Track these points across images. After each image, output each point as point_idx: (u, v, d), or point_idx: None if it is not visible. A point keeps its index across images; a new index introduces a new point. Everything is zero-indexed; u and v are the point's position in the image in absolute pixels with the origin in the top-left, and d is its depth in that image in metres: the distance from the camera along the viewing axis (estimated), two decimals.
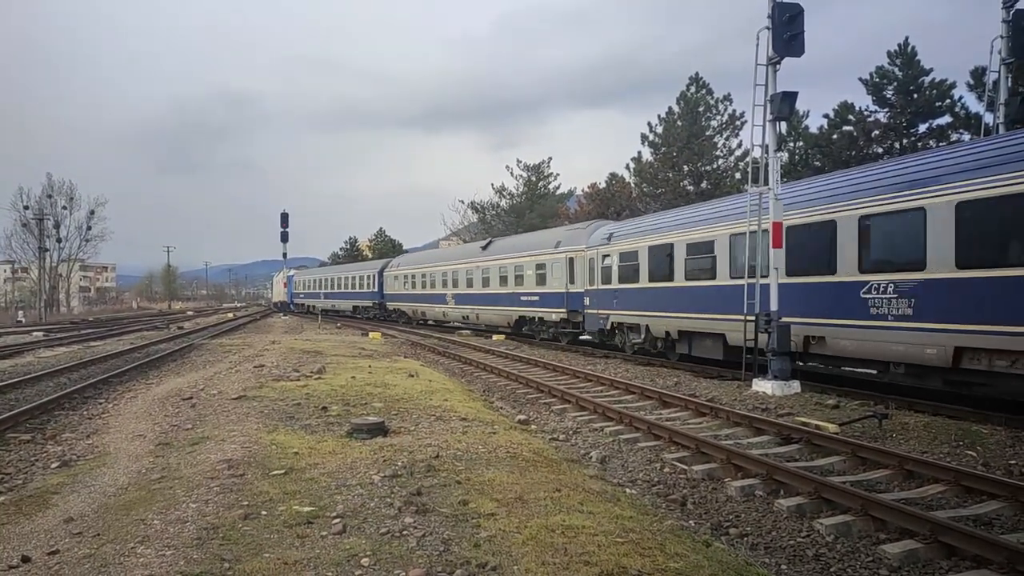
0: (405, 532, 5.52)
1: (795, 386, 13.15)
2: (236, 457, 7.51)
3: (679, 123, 38.56)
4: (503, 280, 30.48)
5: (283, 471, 7.02)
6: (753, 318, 13.76)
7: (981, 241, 9.86)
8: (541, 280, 27.25)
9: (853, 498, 6.93)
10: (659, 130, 39.46)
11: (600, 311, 21.12)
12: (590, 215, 42.02)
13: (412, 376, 14.67)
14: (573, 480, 7.22)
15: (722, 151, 38.22)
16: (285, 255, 56.22)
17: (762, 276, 13.90)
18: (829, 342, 12.38)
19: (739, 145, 37.97)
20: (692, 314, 16.64)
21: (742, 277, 14.74)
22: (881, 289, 11.47)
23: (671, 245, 17.56)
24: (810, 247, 12.79)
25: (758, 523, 6.88)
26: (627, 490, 7.60)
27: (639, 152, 40.67)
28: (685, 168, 38.12)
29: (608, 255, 20.76)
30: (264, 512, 5.88)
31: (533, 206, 55.05)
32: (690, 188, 37.80)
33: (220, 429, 8.99)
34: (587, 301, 22.31)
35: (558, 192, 57.51)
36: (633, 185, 41.39)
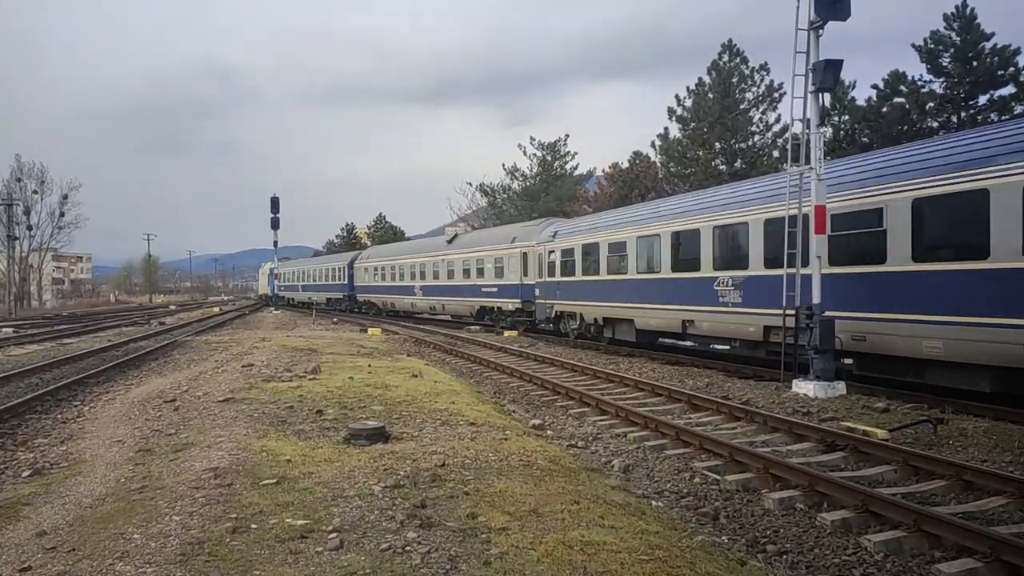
0: (408, 548, 5.53)
1: (840, 387, 13.07)
2: (223, 465, 7.56)
3: (710, 96, 38.31)
4: (466, 273, 35.97)
5: (274, 480, 7.06)
6: (792, 312, 13.76)
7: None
8: (499, 273, 32.62)
9: (905, 512, 6.88)
10: (688, 104, 39.25)
11: (547, 301, 26.63)
12: (611, 198, 41.96)
13: (416, 376, 14.72)
14: (593, 491, 7.21)
15: (758, 126, 37.97)
16: (276, 243, 56.27)
17: (640, 273, 19.78)
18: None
19: (777, 120, 37.72)
20: (613, 303, 21.84)
21: (647, 272, 19.83)
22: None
23: (597, 245, 22.85)
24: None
25: (799, 539, 6.85)
26: (653, 502, 7.59)
27: (666, 128, 40.51)
28: (717, 145, 37.92)
29: (553, 251, 26.18)
30: (254, 525, 5.91)
31: (548, 188, 54.96)
32: (722, 168, 37.62)
33: (206, 434, 9.05)
34: (537, 292, 27.69)
35: (576, 173, 57.40)
36: (659, 165, 41.25)
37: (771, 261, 15.02)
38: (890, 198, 12.32)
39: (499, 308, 32.68)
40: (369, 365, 16.52)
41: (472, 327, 30.64)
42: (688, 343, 20.48)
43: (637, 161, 43.57)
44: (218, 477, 7.17)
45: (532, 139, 60.29)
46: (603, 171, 49.12)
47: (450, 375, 16.91)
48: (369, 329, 31.04)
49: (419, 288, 41.97)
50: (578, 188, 51.59)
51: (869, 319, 12.69)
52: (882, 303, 12.42)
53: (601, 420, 11.89)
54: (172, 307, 68.29)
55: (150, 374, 17.16)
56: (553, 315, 26.03)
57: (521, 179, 58.69)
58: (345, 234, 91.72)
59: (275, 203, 53.33)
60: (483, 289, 34.59)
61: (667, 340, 21.07)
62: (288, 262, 74.01)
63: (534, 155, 58.24)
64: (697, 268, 17.75)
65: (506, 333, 28.26)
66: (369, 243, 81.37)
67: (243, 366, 15.98)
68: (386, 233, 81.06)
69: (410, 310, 42.74)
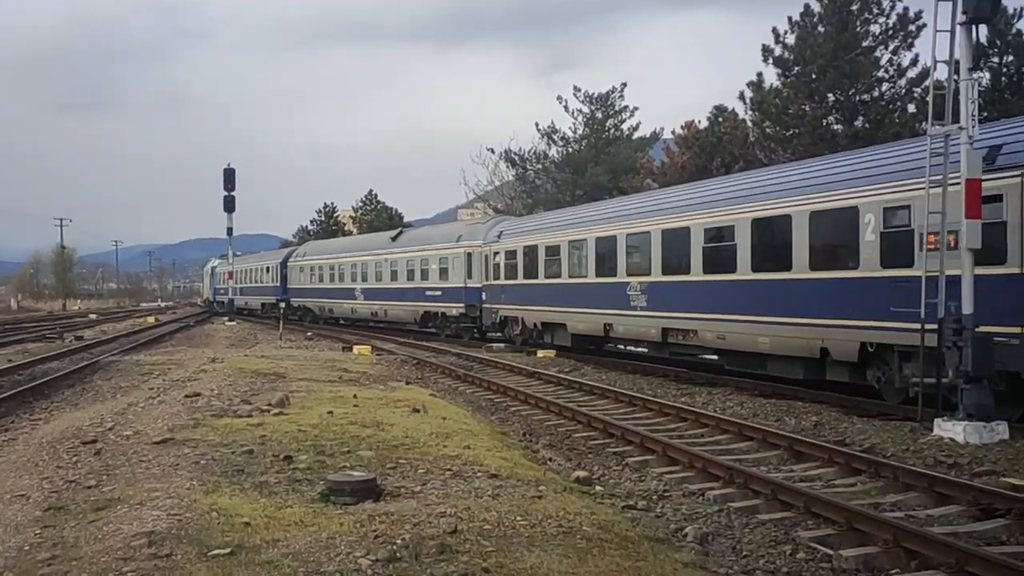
0: None
1: (1000, 430, 12.92)
2: (160, 529, 7.64)
3: (821, 29, 37.96)
4: (410, 274, 42.41)
5: (228, 551, 7.11)
6: (935, 326, 13.63)
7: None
8: (444, 275, 38.82)
9: None
10: (790, 41, 38.89)
11: (493, 305, 34.30)
12: (684, 170, 41.79)
13: (418, 411, 14.77)
14: (659, 569, 7.19)
15: (887, 71, 37.54)
16: (230, 231, 56.75)
17: (572, 278, 28.27)
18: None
19: (914, 62, 37.25)
20: (550, 307, 29.66)
21: (577, 277, 27.95)
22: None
23: (537, 248, 30.66)
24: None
25: None
26: None
27: (759, 75, 40.17)
28: (830, 97, 37.54)
29: (498, 253, 33.78)
30: None
31: (599, 156, 54.91)
32: (837, 127, 37.26)
33: (137, 487, 9.16)
34: (484, 296, 35.15)
35: (636, 136, 57.25)
36: (750, 124, 40.97)
37: (669, 268, 22.97)
38: (736, 218, 20.37)
39: (443, 313, 39.11)
40: (355, 396, 16.61)
41: (493, 345, 31.32)
42: (619, 346, 30.12)
43: (720, 119, 43.28)
44: (153, 545, 7.24)
45: (577, 90, 59.57)
46: (674, 132, 48.84)
47: (464, 409, 16.94)
48: (355, 347, 31.24)
49: (360, 291, 48.14)
50: (639, 156, 51.38)
51: (727, 320, 20.48)
52: (734, 307, 20.20)
53: (669, 472, 11.87)
54: (92, 316, 69.31)
55: (63, 406, 17.43)
56: (498, 320, 34.11)
57: (562, 144, 58.68)
58: (323, 219, 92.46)
59: (230, 176, 53.34)
60: (427, 292, 40.59)
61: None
62: (241, 258, 76.31)
63: (579, 111, 58.25)
64: (614, 274, 25.48)
65: (540, 353, 28.46)
66: (356, 230, 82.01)
67: (187, 396, 16.14)
68: (378, 217, 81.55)
69: (350, 316, 49.18)
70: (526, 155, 59.42)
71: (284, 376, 20.26)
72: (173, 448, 11.14)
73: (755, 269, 19.67)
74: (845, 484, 10.98)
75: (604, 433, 14.67)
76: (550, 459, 12.74)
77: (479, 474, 9.97)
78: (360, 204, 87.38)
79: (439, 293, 39.59)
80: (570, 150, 58.14)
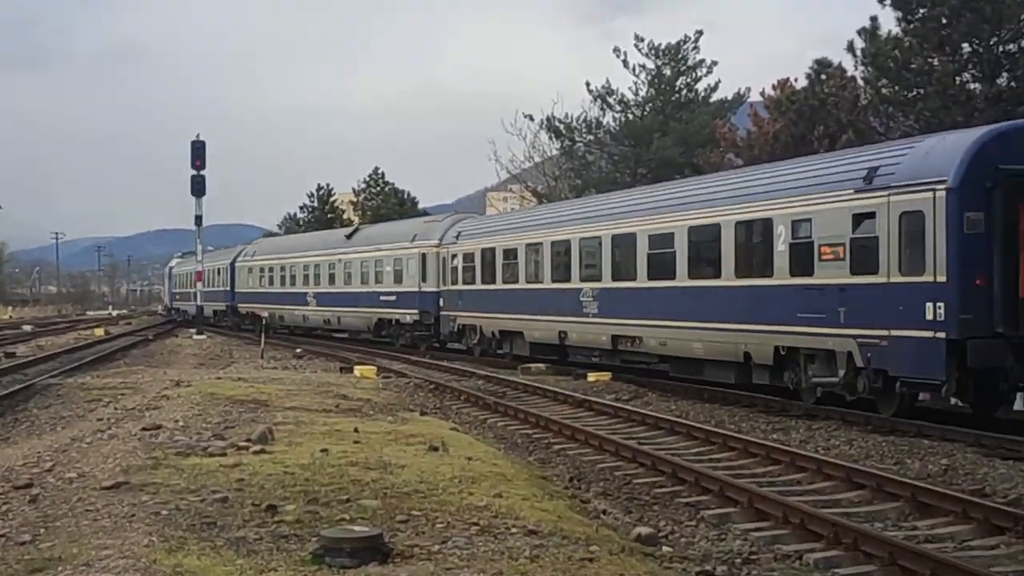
0: None
1: None
2: None
3: None
4: (364, 277, 47.39)
5: None
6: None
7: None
8: (399, 278, 43.83)
9: None
10: None
11: (451, 312, 39.99)
12: (777, 141, 41.53)
13: (436, 449, 14.77)
14: None
15: None
16: (200, 221, 57.04)
17: (528, 283, 34.39)
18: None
19: None
20: (508, 315, 35.23)
21: (534, 283, 33.90)
22: None
23: (494, 250, 36.36)
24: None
25: None
26: None
27: (873, 20, 39.79)
28: (965, 48, 37.17)
29: (456, 255, 39.50)
30: None
31: (667, 124, 54.71)
32: (974, 86, 36.88)
33: (82, 544, 9.20)
34: (442, 302, 40.90)
35: (715, 98, 56.98)
36: (862, 83, 40.63)
37: (618, 274, 28.79)
38: (676, 225, 25.93)
39: (397, 320, 44.49)
40: (356, 430, 16.63)
41: (531, 366, 31.34)
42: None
43: (823, 77, 42.94)
44: None
45: (639, 39, 58.94)
46: (763, 95, 48.52)
47: (494, 447, 16.95)
48: (357, 368, 31.32)
49: (312, 296, 53.03)
50: (719, 124, 51.12)
51: (668, 327, 26.08)
52: (673, 313, 25.75)
53: (757, 529, 11.81)
54: (27, 328, 70.02)
55: None
56: (456, 328, 39.88)
57: (620, 109, 58.53)
58: (317, 205, 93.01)
59: (199, 151, 53.61)
60: (381, 297, 45.34)
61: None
62: (203, 256, 79.10)
63: (642, 67, 58.12)
64: (568, 280, 31.44)
65: (591, 376, 28.39)
66: (356, 218, 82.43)
67: (144, 429, 16.22)
68: (385, 202, 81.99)
69: (302, 324, 54.70)
70: (574, 123, 59.19)
71: (267, 404, 20.33)
72: (127, 494, 11.19)
73: (691, 276, 25.38)
74: (985, 546, 10.85)
75: (673, 478, 14.58)
76: (604, 511, 12.68)
77: (513, 530, 9.96)
78: (363, 186, 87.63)
79: (393, 298, 44.27)
80: (630, 117, 58.00)
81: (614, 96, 58.22)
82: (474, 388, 27.01)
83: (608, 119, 58.67)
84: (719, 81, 58.01)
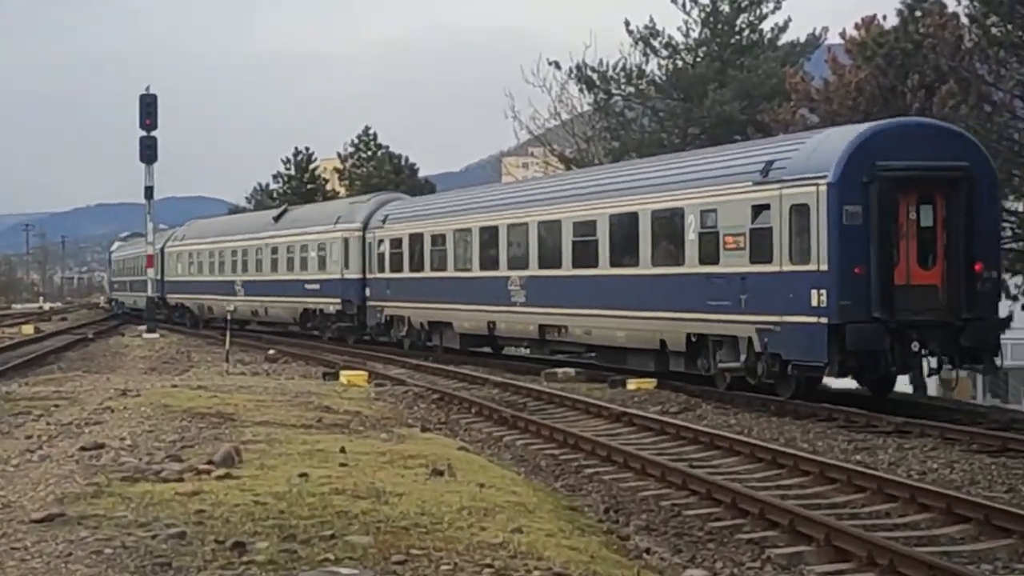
0: None
1: None
2: None
3: None
4: (290, 263, 52.86)
5: None
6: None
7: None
8: (323, 264, 49.06)
9: None
10: None
11: (378, 302, 45.29)
12: (860, 92, 41.34)
13: (441, 473, 14.78)
14: None
15: None
16: (150, 193, 57.20)
17: (458, 271, 40.11)
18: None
19: None
20: (437, 304, 40.43)
21: (463, 270, 39.30)
22: None
23: (422, 236, 41.99)
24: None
25: None
26: None
27: None
28: None
29: (383, 240, 45.21)
30: None
31: (725, 71, 54.44)
32: None
33: None
34: (369, 292, 46.11)
35: (783, 41, 56.69)
36: (966, 22, 40.43)
37: (545, 262, 34.30)
38: (599, 213, 31.41)
39: (322, 311, 49.59)
40: (343, 450, 16.63)
41: (557, 372, 31.56)
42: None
43: (919, 14, 42.77)
44: None
45: None
46: (844, 36, 48.31)
47: (512, 471, 16.96)
48: (344, 373, 31.36)
49: (240, 284, 58.22)
50: (789, 73, 50.86)
51: (592, 315, 31.62)
52: (597, 301, 31.17)
53: (836, 571, 11.83)
54: None
55: None
56: (383, 320, 45.28)
57: (667, 54, 58.16)
58: (295, 172, 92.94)
59: (149, 106, 53.82)
60: (306, 286, 50.51)
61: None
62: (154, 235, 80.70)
63: (694, 2, 57.69)
64: (496, 267, 36.77)
65: (631, 384, 28.41)
66: (343, 189, 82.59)
67: (83, 448, 16.25)
68: (378, 168, 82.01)
69: (231, 316, 57.32)
70: (610, 72, 58.68)
71: (233, 418, 20.37)
72: (63, 529, 11.21)
73: (613, 264, 30.91)
74: None
75: (732, 509, 14.51)
76: (647, 550, 12.66)
77: (536, 573, 9.97)
78: (351, 150, 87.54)
79: (317, 287, 49.59)
80: (680, 64, 57.65)
81: (660, 38, 57.70)
82: (487, 398, 27.03)
83: (652, 67, 58.23)
84: (789, 19, 57.50)
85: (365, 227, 47.06)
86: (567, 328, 32.95)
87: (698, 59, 57.07)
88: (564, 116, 64.69)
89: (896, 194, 23.40)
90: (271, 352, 42.36)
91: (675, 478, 16.45)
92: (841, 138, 24.40)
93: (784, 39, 56.77)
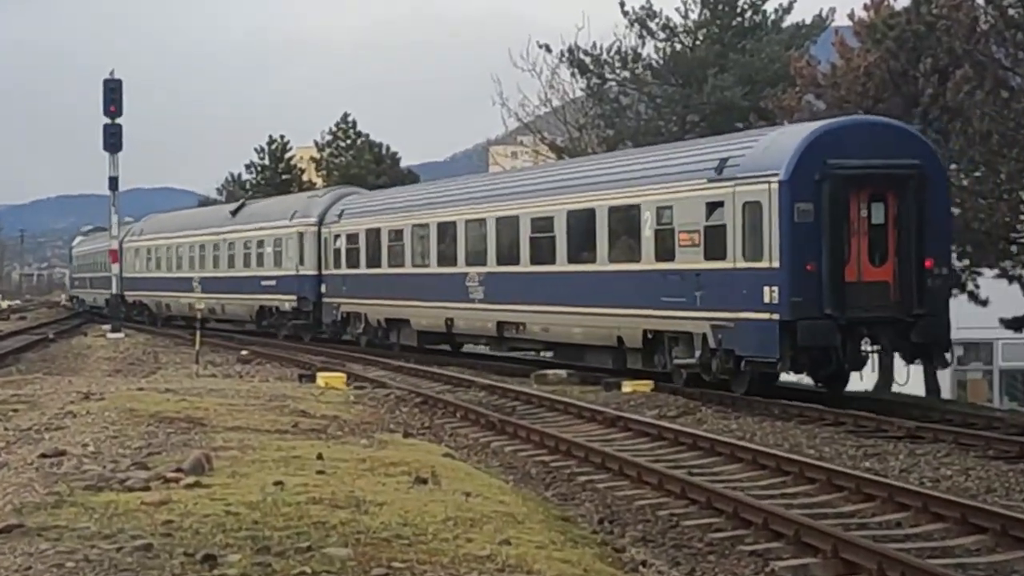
0: None
1: None
2: None
3: None
4: (247, 260, 55.36)
5: None
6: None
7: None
8: (279, 260, 51.30)
9: None
10: None
11: (333, 299, 48.09)
12: (869, 77, 41.42)
13: (424, 482, 14.79)
14: None
15: None
16: (115, 184, 57.21)
17: (416, 267, 43.47)
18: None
19: None
20: (394, 301, 43.01)
21: (420, 266, 42.35)
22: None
23: (379, 231, 44.83)
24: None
25: None
26: None
27: None
28: None
29: (339, 235, 47.86)
30: None
31: (726, 55, 54.46)
32: None
33: None
34: (325, 288, 48.81)
35: (788, 23, 56.73)
36: (982, 1, 40.48)
37: (503, 258, 36.46)
38: (556, 209, 33.73)
39: (277, 308, 52.18)
40: (320, 456, 16.64)
41: (546, 373, 31.56)
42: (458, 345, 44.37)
43: None
44: None
45: None
46: (852, 18, 48.38)
47: (499, 479, 16.98)
48: (321, 375, 31.36)
49: (197, 281, 60.53)
50: (793, 56, 50.90)
51: (549, 312, 33.68)
52: (554, 298, 33.31)
53: None
54: None
55: None
56: (340, 317, 47.98)
57: (665, 37, 58.18)
58: (269, 161, 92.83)
59: (113, 91, 53.90)
60: (263, 282, 52.84)
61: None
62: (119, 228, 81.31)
63: None
64: (454, 263, 39.07)
65: (626, 386, 28.50)
66: (320, 179, 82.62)
67: (43, 456, 16.24)
68: (357, 158, 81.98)
69: (188, 314, 60.89)
70: (604, 56, 58.59)
71: (203, 423, 20.34)
72: (22, 541, 11.21)
73: (571, 261, 33.03)
74: None
75: (734, 519, 14.53)
76: (644, 563, 12.68)
77: None
78: (329, 138, 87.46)
79: (273, 283, 51.96)
80: (678, 47, 57.65)
81: (657, 20, 57.53)
82: (474, 402, 27.07)
83: (649, 50, 58.10)
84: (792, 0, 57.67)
85: (321, 222, 49.53)
86: (525, 325, 35.08)
87: (697, 42, 56.99)
88: (555, 102, 64.55)
89: (848, 192, 25.17)
90: (244, 353, 42.42)
91: (673, 486, 16.46)
92: (793, 136, 26.22)
93: (789, 21, 56.76)
